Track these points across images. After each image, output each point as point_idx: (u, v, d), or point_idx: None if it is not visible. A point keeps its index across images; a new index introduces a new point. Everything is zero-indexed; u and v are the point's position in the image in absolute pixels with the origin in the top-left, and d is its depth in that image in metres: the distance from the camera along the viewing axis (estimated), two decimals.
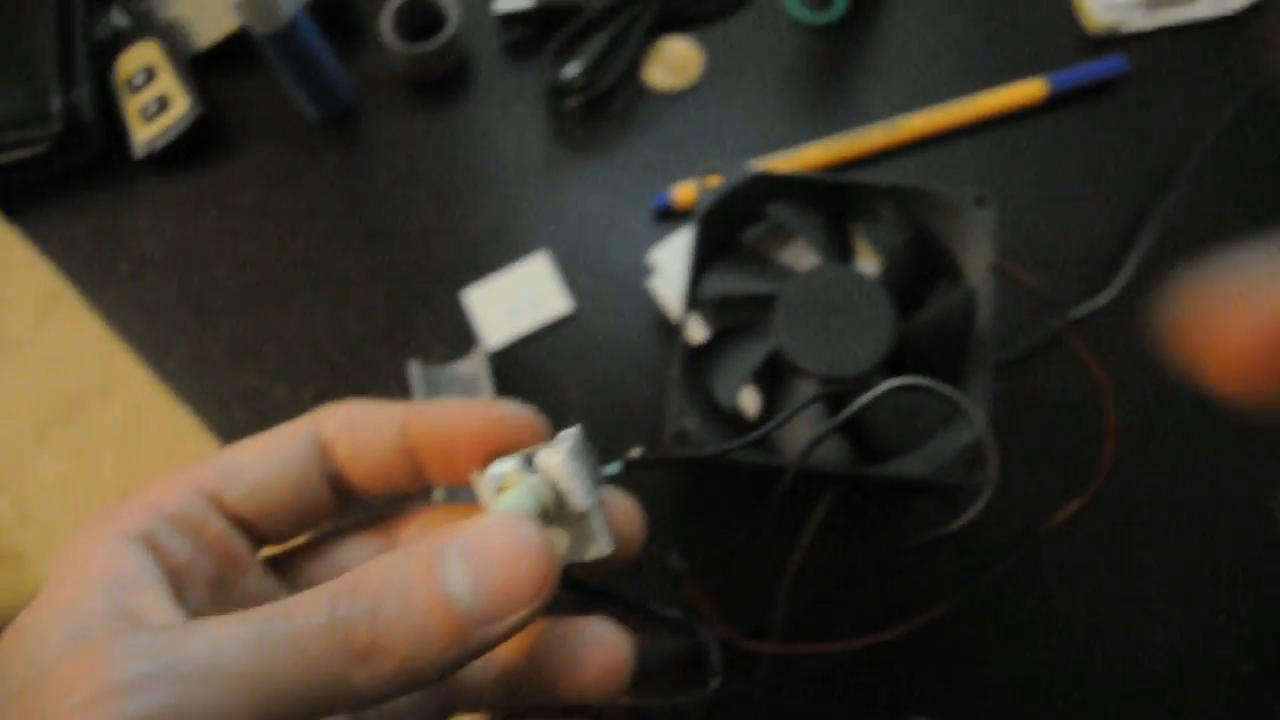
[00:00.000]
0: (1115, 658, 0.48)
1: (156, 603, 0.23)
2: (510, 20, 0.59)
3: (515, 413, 0.28)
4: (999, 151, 0.57)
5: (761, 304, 0.44)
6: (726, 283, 0.46)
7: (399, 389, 0.53)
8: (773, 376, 0.45)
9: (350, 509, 0.30)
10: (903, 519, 0.50)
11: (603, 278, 0.55)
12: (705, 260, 0.46)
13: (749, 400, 0.47)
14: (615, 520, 0.28)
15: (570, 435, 0.27)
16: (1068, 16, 0.61)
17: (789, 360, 0.43)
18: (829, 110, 0.59)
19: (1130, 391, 0.52)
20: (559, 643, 0.28)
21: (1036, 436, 0.51)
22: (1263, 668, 0.48)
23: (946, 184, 0.56)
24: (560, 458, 0.26)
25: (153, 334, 0.56)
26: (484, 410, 0.28)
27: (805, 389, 0.43)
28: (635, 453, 0.29)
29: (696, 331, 0.48)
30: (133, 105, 0.58)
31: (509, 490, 0.26)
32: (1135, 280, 0.53)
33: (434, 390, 0.52)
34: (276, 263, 0.57)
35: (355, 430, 0.28)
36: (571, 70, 0.57)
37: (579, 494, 0.26)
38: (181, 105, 0.57)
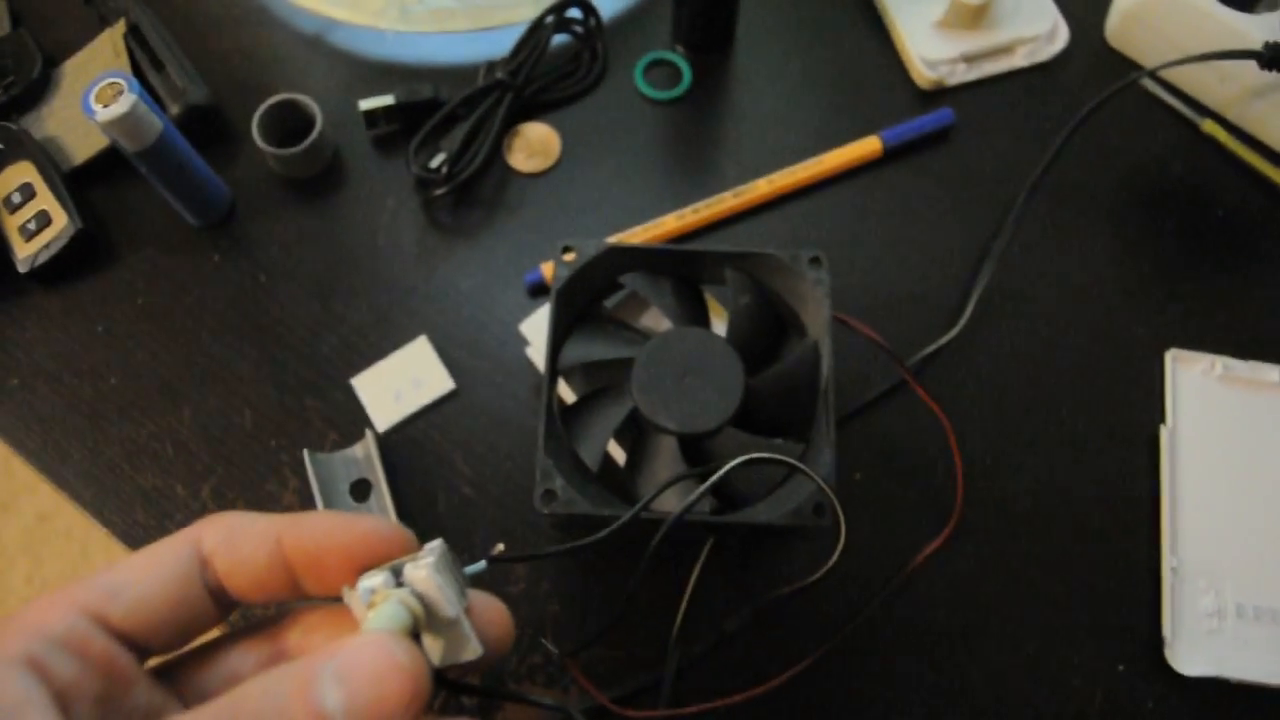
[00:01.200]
0: (996, 673, 0.51)
1: None
2: (373, 117, 0.62)
3: (381, 527, 0.30)
4: (843, 207, 0.61)
5: (622, 367, 0.47)
6: (587, 350, 0.49)
7: (296, 477, 0.55)
8: (635, 433, 0.48)
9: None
10: (780, 569, 0.53)
11: (482, 354, 0.58)
12: (566, 330, 0.49)
13: (617, 454, 0.50)
14: (486, 621, 0.30)
15: (434, 549, 0.28)
16: (901, 74, 0.65)
17: (647, 419, 0.46)
18: (684, 180, 0.62)
19: (980, 422, 0.56)
20: None
21: (897, 477, 0.55)
22: (1134, 665, 0.51)
23: (796, 241, 0.60)
24: (426, 571, 0.28)
25: (48, 445, 0.57)
26: (352, 525, 0.30)
27: (665, 444, 0.46)
28: (499, 549, 0.32)
29: (566, 395, 0.51)
30: (11, 224, 0.60)
31: (380, 606, 0.27)
32: (975, 319, 0.57)
33: (329, 476, 0.54)
34: (167, 364, 0.59)
35: (233, 545, 0.30)
36: (436, 161, 0.60)
37: (445, 604, 0.27)
38: (60, 221, 0.59)
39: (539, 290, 0.59)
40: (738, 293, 0.49)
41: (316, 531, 0.30)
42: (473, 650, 0.28)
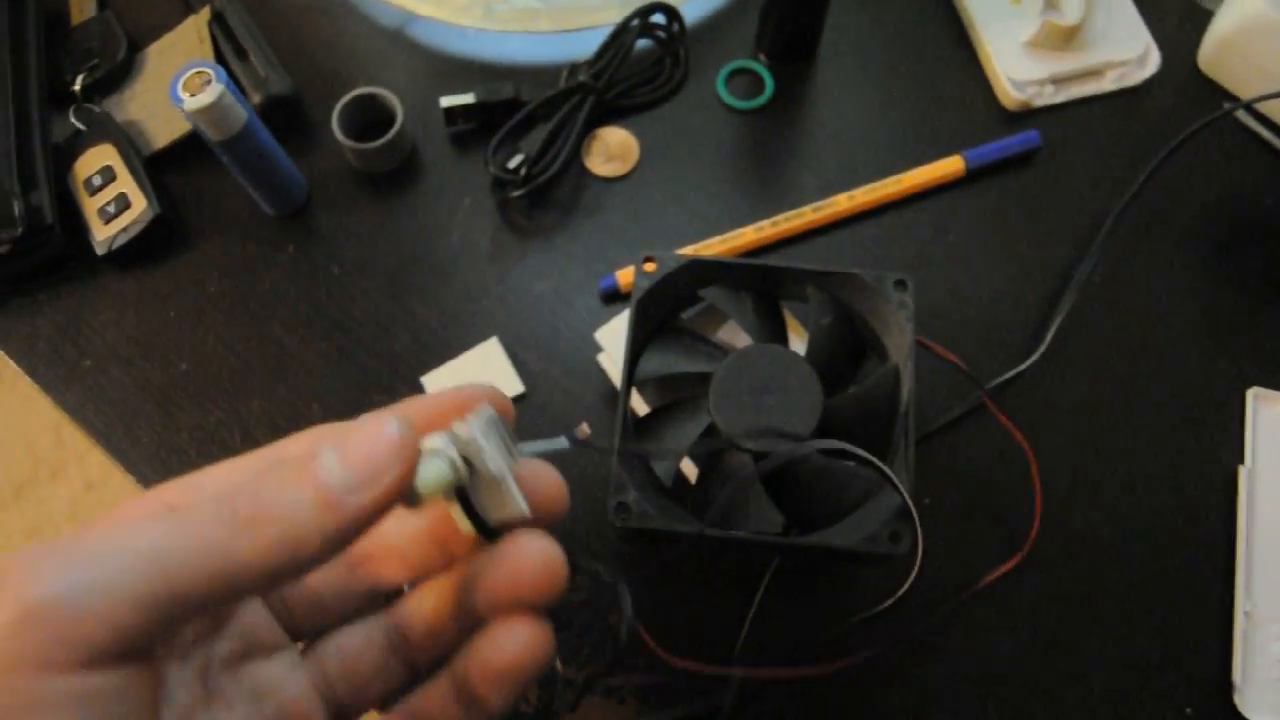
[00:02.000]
0: (1057, 709, 0.50)
1: None
2: (453, 114, 0.62)
3: (481, 390, 0.31)
4: (924, 226, 0.61)
5: (698, 381, 0.47)
6: (664, 362, 0.48)
7: None
8: (710, 449, 0.47)
9: None
10: (847, 586, 0.52)
11: (553, 359, 0.57)
12: (643, 341, 0.49)
13: (688, 469, 0.49)
14: (538, 485, 0.31)
15: (481, 411, 0.30)
16: (986, 93, 0.64)
17: (724, 435, 0.45)
18: (762, 191, 0.62)
19: (1055, 452, 0.55)
20: (494, 554, 0.30)
21: (969, 502, 0.54)
22: (1201, 709, 0.50)
23: (874, 259, 0.59)
24: (468, 425, 0.29)
25: (118, 426, 0.58)
26: (458, 395, 0.31)
27: (739, 461, 0.46)
28: (583, 429, 0.32)
29: (639, 406, 0.51)
30: (91, 206, 0.60)
31: (424, 456, 0.28)
32: (1054, 346, 0.56)
33: None
34: (237, 353, 0.59)
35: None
36: (514, 161, 0.59)
37: (489, 457, 0.29)
38: (139, 205, 0.59)
39: (613, 297, 0.59)
40: (819, 312, 0.48)
41: (425, 406, 0.31)
42: (516, 509, 0.29)
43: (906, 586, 0.43)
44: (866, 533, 0.43)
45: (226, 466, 0.30)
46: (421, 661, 0.33)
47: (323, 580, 0.33)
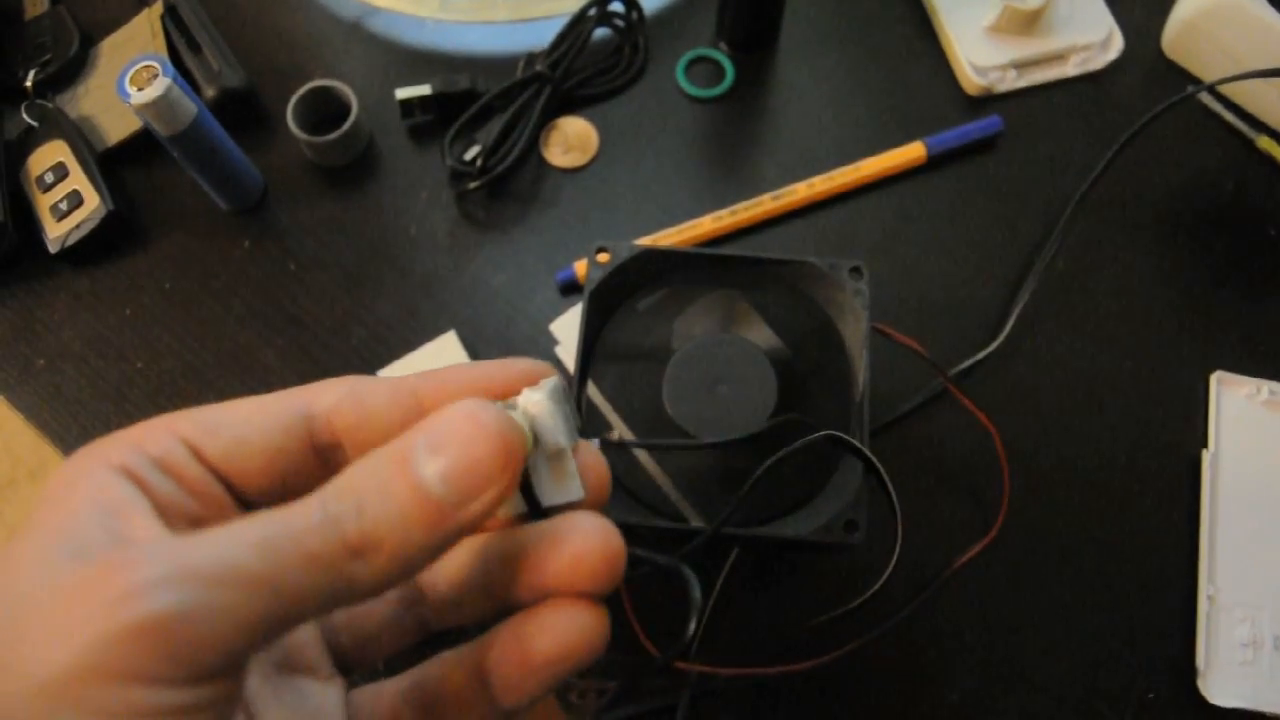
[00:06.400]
0: (1021, 695, 0.50)
1: (148, 527, 0.24)
2: (409, 106, 0.61)
3: (538, 365, 0.29)
4: (885, 213, 0.60)
5: (653, 372, 0.46)
6: (619, 351, 0.48)
7: None
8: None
9: None
10: (813, 580, 0.52)
11: (511, 351, 0.57)
12: (598, 331, 0.48)
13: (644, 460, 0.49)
14: (585, 468, 0.29)
15: (551, 380, 0.28)
16: (949, 79, 0.64)
17: (676, 426, 0.45)
18: (723, 180, 0.61)
19: (1019, 438, 0.54)
20: (551, 534, 0.28)
21: (929, 490, 0.54)
22: (1164, 693, 0.50)
23: (835, 247, 0.59)
24: (541, 395, 0.27)
25: (72, 426, 0.57)
26: (508, 366, 0.29)
27: (695, 451, 0.45)
28: (614, 434, 0.31)
29: (595, 397, 0.50)
30: (44, 203, 0.59)
31: None
32: (1016, 332, 0.56)
33: None
34: (193, 350, 0.58)
35: (359, 400, 0.29)
36: (471, 153, 0.59)
37: (556, 432, 0.27)
38: (92, 202, 0.58)
39: (571, 288, 0.58)
40: (774, 300, 0.48)
41: (475, 376, 0.29)
42: (575, 491, 0.28)
43: (881, 582, 0.43)
44: (820, 523, 0.43)
45: (253, 404, 0.28)
46: (436, 624, 0.31)
47: None
